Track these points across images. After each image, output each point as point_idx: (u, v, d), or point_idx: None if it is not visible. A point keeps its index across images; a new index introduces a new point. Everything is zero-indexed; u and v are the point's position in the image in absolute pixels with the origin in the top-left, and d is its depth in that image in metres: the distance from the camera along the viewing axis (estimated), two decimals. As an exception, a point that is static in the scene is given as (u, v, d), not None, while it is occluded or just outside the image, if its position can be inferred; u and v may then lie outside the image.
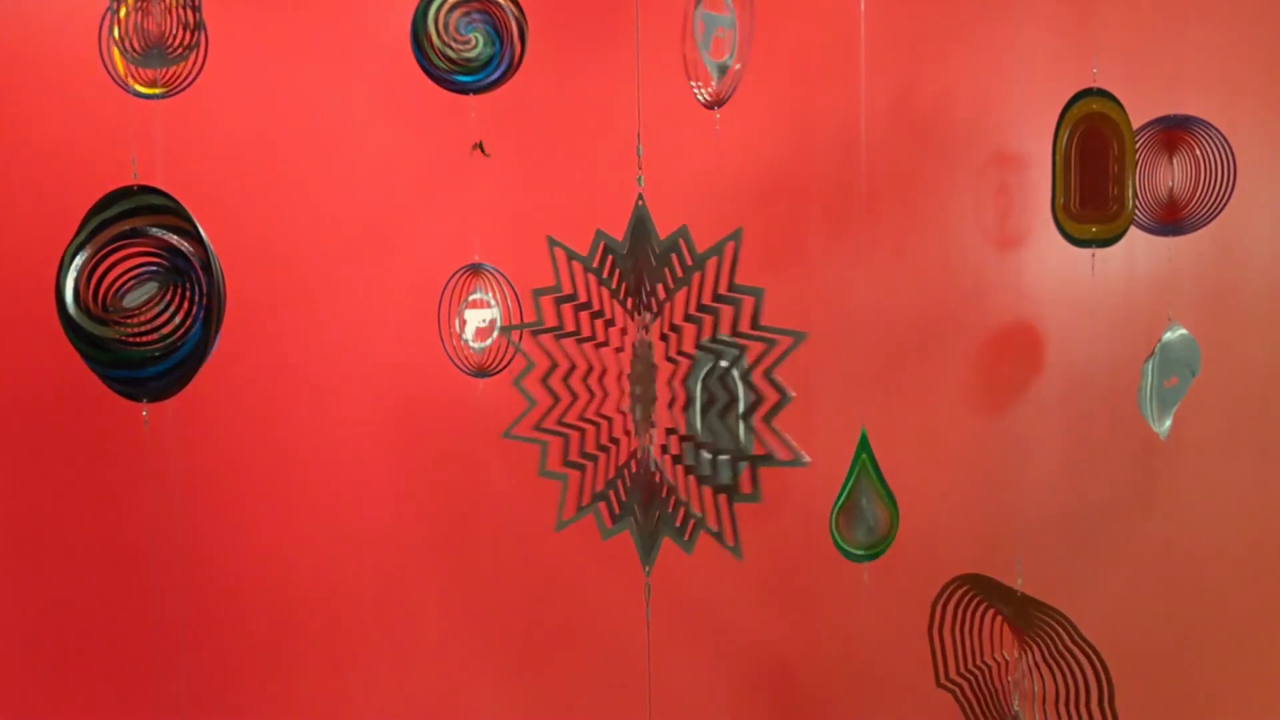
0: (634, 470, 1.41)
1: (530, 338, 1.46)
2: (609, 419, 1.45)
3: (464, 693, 2.36)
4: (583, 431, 1.46)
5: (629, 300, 1.40)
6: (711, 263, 1.30)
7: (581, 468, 1.46)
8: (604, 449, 1.45)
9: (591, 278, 1.42)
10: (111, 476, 2.08)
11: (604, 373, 1.45)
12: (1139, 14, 2.49)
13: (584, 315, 1.44)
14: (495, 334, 1.94)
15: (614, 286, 1.41)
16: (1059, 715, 1.60)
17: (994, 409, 2.54)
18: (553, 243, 1.44)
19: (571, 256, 1.43)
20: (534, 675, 2.41)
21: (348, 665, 2.28)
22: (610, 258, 1.40)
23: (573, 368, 1.46)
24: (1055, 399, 2.53)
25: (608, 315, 1.43)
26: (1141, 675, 2.58)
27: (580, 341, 1.45)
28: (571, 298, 1.44)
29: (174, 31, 1.50)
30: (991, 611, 1.76)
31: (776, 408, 1.26)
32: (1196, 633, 2.60)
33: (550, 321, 1.45)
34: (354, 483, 2.26)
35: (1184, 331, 2.14)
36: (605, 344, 1.44)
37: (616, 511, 1.44)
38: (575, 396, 1.46)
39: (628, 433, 1.43)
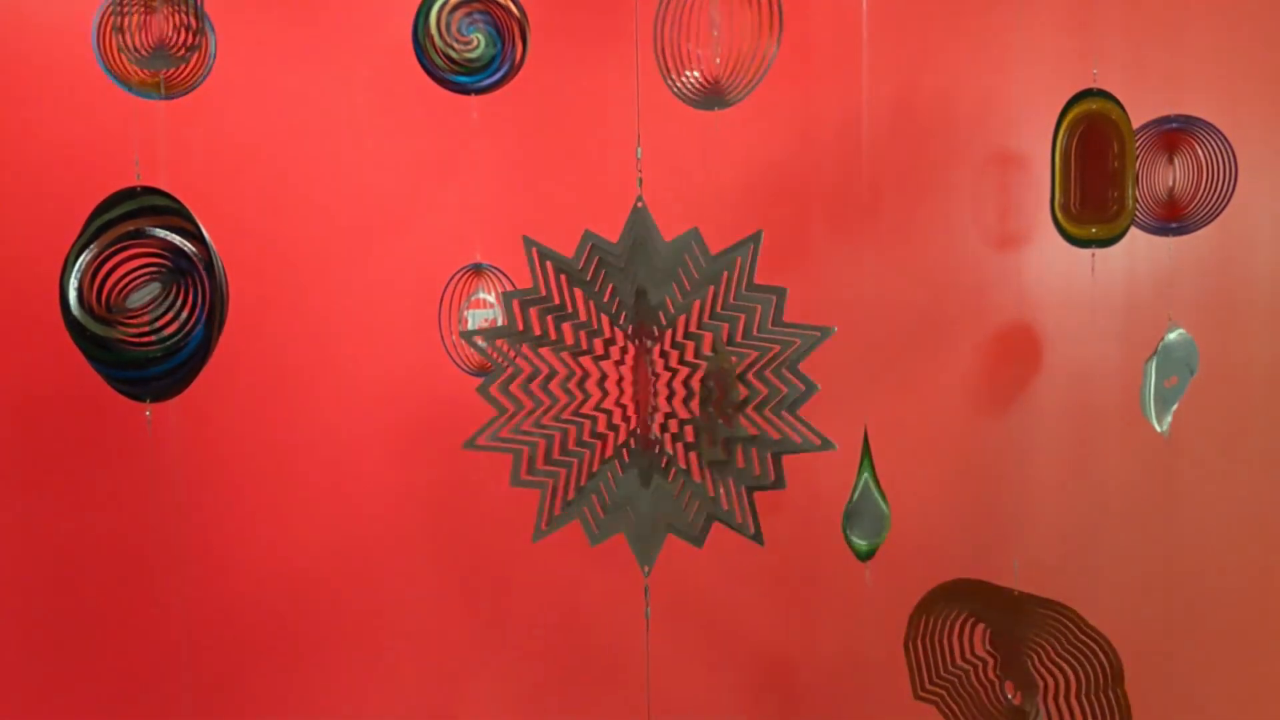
0: (632, 448, 1.39)
1: (504, 344, 1.42)
2: (592, 418, 1.42)
3: (464, 691, 2.36)
4: (563, 433, 1.43)
5: (622, 315, 1.38)
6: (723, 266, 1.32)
7: (557, 472, 1.42)
8: (588, 445, 1.42)
9: (576, 287, 1.39)
10: (114, 475, 2.09)
11: (584, 378, 1.42)
12: (1139, 14, 2.49)
13: (565, 323, 1.41)
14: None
15: (605, 299, 1.39)
16: (1080, 705, 1.61)
17: (994, 408, 2.54)
18: (529, 243, 1.40)
19: (546, 257, 1.40)
20: (534, 673, 2.41)
21: (347, 663, 2.29)
22: (597, 262, 1.38)
23: (551, 373, 1.43)
24: (1055, 399, 2.53)
25: (589, 322, 1.40)
26: (1141, 674, 2.58)
27: (559, 350, 1.42)
28: (548, 301, 1.39)
29: (177, 32, 1.51)
30: (965, 616, 1.76)
31: (802, 399, 1.28)
32: (1196, 631, 2.60)
33: (525, 325, 1.41)
34: (356, 481, 2.27)
35: (1183, 331, 2.15)
36: (587, 352, 1.41)
37: (601, 514, 1.41)
38: (555, 400, 1.43)
39: (615, 428, 1.41)
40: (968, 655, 1.75)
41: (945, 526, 2.51)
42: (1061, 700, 1.64)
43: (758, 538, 1.32)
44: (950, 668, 1.77)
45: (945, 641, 1.78)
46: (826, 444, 1.28)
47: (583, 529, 1.43)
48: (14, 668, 2.07)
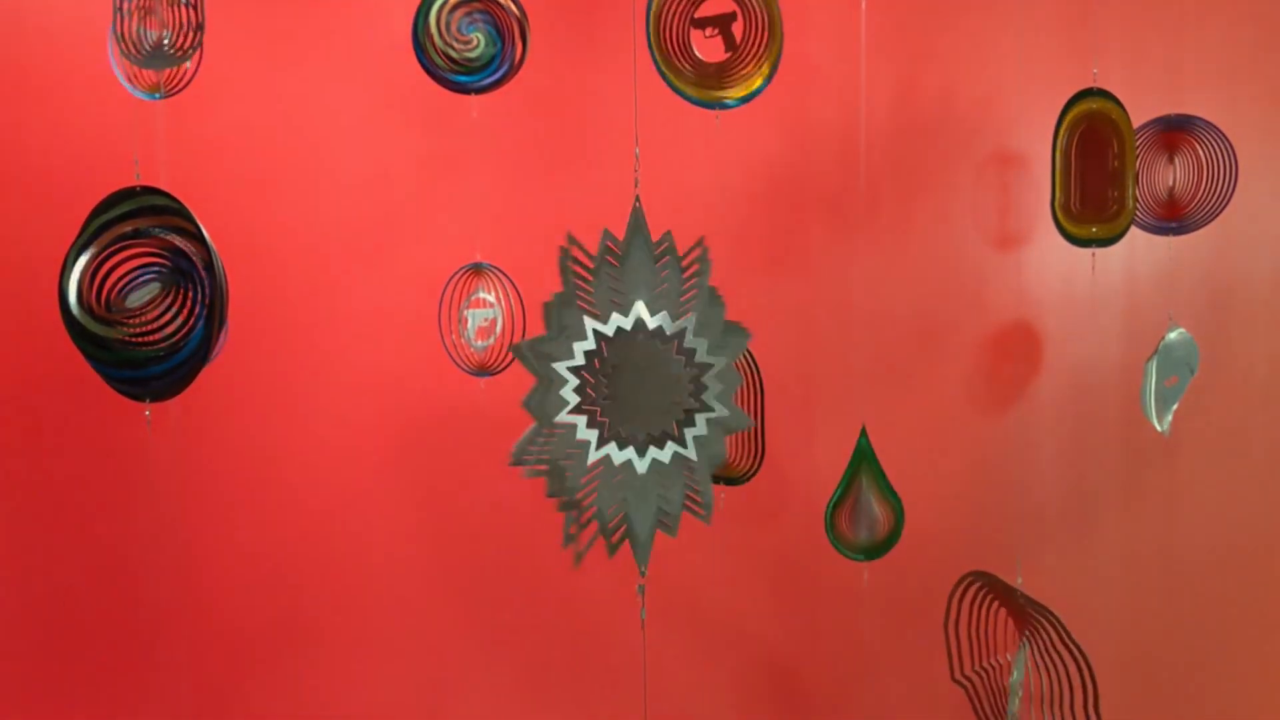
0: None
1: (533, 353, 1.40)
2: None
3: (462, 691, 2.36)
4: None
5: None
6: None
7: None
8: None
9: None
10: (113, 475, 2.08)
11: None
12: (1139, 14, 2.49)
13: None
14: (495, 336, 1.94)
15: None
16: (1045, 715, 1.60)
17: (994, 408, 2.54)
18: (567, 249, 1.38)
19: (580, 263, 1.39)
20: (532, 674, 2.41)
21: (346, 663, 2.29)
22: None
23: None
24: (1055, 398, 2.53)
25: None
26: (1141, 673, 2.59)
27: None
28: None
29: (175, 32, 1.51)
30: (998, 604, 1.76)
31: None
32: (1196, 631, 2.61)
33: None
34: (355, 481, 2.27)
35: (1183, 330, 2.15)
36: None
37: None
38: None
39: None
40: (1003, 654, 1.75)
41: (945, 526, 2.51)
42: (1028, 705, 1.63)
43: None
44: (988, 660, 1.77)
45: (987, 632, 1.78)
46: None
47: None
48: (13, 667, 2.07)
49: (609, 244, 1.37)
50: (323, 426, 2.24)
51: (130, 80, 1.52)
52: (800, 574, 2.49)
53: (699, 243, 1.36)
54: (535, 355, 1.35)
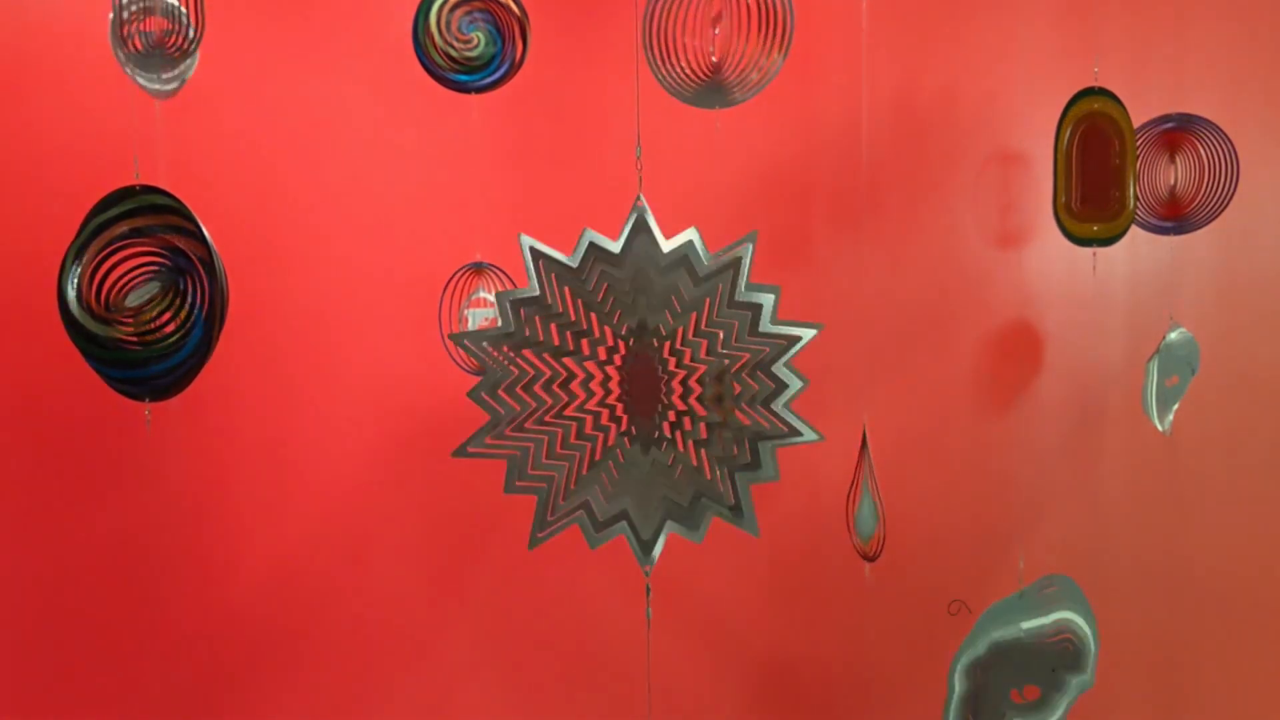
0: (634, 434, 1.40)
1: (492, 346, 1.40)
2: (580, 420, 1.41)
3: (463, 692, 2.36)
4: (552, 436, 1.41)
5: (624, 325, 1.38)
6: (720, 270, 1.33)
7: (552, 476, 1.42)
8: (577, 448, 1.41)
9: (568, 289, 1.37)
10: (113, 475, 2.08)
11: (587, 379, 1.40)
12: (1140, 12, 2.48)
13: (567, 331, 1.39)
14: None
15: (601, 303, 1.38)
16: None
17: (996, 407, 2.54)
18: (528, 245, 1.37)
19: (541, 258, 1.37)
20: (534, 675, 2.41)
21: (346, 664, 2.28)
22: (596, 264, 1.37)
23: (553, 376, 1.40)
24: (1056, 397, 2.53)
25: (590, 330, 1.39)
26: (1144, 673, 2.58)
27: (559, 355, 1.39)
28: (547, 308, 1.38)
29: (174, 32, 1.50)
30: None
31: (793, 395, 1.36)
32: (1200, 629, 2.60)
33: (517, 328, 1.39)
34: (355, 481, 2.27)
35: (1184, 330, 2.15)
36: (589, 357, 1.40)
37: (598, 518, 1.42)
38: (551, 402, 1.40)
39: (605, 429, 1.41)
40: None
41: (946, 526, 2.51)
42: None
43: (737, 512, 1.33)
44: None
45: None
46: (811, 434, 1.35)
47: (582, 533, 1.43)
48: (13, 668, 2.06)
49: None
50: (322, 426, 2.24)
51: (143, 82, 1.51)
52: (801, 573, 2.49)
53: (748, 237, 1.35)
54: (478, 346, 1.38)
